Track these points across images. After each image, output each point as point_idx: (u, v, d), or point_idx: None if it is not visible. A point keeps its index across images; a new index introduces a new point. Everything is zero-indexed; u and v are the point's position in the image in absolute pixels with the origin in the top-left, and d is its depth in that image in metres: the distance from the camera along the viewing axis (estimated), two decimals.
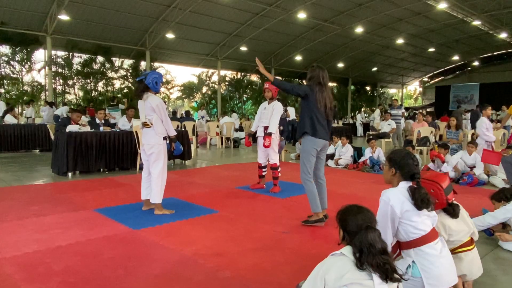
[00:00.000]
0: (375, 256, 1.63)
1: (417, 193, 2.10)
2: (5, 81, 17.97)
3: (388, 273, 1.63)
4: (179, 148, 4.40)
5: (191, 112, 18.75)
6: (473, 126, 11.32)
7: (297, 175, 6.82)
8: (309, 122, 3.71)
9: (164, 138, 4.20)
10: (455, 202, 2.47)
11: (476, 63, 32.73)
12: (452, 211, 2.43)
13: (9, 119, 10.94)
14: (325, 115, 3.78)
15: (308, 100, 3.73)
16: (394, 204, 2.10)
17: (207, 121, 17.14)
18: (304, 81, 31.14)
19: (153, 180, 4.14)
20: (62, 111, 12.86)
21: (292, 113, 15.42)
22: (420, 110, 24.95)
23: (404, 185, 2.19)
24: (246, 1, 17.33)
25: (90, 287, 2.45)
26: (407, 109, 24.78)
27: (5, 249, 3.06)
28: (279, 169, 5.57)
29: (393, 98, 18.20)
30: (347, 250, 1.72)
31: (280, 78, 29.17)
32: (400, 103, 14.84)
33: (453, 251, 2.39)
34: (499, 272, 2.77)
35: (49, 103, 14.14)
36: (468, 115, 18.24)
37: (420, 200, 2.07)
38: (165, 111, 4.18)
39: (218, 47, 22.54)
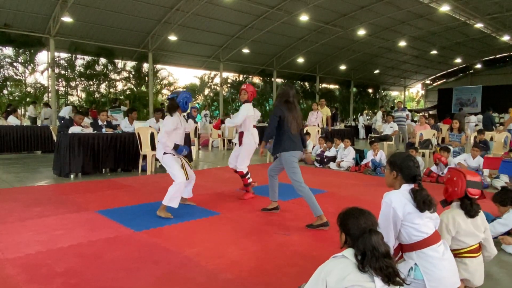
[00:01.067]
0: (378, 259, 1.63)
1: (418, 195, 2.10)
2: (8, 83, 18.05)
3: (390, 277, 1.63)
4: (181, 150, 4.44)
5: (204, 112, 18.79)
6: (486, 130, 11.22)
7: None
8: (285, 139, 4.04)
9: (166, 153, 4.30)
10: (476, 202, 2.46)
11: (478, 66, 32.69)
12: (469, 206, 2.42)
13: (12, 120, 10.99)
14: (297, 129, 4.10)
15: (281, 120, 4.03)
16: (396, 207, 2.10)
17: (210, 122, 17.18)
18: (306, 83, 31.30)
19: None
20: (65, 111, 12.92)
21: None
22: (423, 113, 24.93)
23: (406, 188, 2.19)
24: (248, 3, 17.37)
25: None
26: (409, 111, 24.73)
27: (8, 250, 3.06)
28: (249, 175, 5.30)
29: (396, 101, 18.14)
30: (348, 252, 1.71)
31: (282, 80, 29.33)
32: (403, 105, 14.78)
33: (458, 255, 2.38)
34: (502, 276, 2.76)
35: (45, 104, 14.32)
36: (472, 117, 18.16)
37: (422, 202, 2.07)
38: (168, 129, 4.28)
39: (220, 49, 22.58)
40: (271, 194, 4.47)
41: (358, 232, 1.71)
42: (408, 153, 2.38)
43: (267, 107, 29.43)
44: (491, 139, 8.70)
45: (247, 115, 5.11)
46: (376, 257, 1.63)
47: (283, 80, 29.58)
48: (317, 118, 11.06)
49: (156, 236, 3.50)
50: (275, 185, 4.44)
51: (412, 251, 2.13)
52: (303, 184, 3.94)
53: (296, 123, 4.05)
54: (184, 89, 4.87)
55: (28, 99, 17.95)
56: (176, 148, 4.32)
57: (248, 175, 5.26)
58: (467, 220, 2.42)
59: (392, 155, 2.38)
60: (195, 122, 6.58)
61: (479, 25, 21.34)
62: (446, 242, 2.36)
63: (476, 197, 2.44)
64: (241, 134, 5.25)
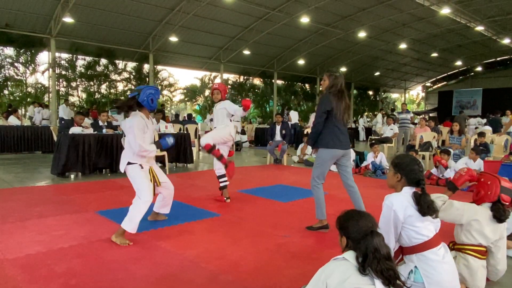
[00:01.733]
0: (380, 261, 1.62)
1: (423, 199, 2.09)
2: (9, 83, 18.08)
3: (391, 279, 1.63)
4: (165, 141, 3.69)
5: (194, 115, 18.79)
6: (494, 132, 11.20)
7: (299, 179, 6.85)
8: (328, 134, 3.67)
9: (132, 163, 3.46)
10: (507, 208, 2.48)
11: (479, 69, 32.72)
12: (501, 211, 2.44)
13: (12, 121, 11.00)
14: (344, 122, 3.76)
15: (328, 114, 3.66)
16: (397, 209, 2.10)
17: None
18: (306, 85, 31.28)
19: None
20: (61, 110, 13.10)
21: (294, 117, 15.43)
22: (423, 115, 24.93)
23: (407, 190, 2.19)
24: (249, 5, 17.41)
25: None
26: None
27: (8, 251, 3.07)
28: (225, 179, 5.05)
29: (400, 103, 18.08)
30: (349, 255, 1.71)
31: (282, 82, 29.35)
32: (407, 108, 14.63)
33: (463, 250, 2.39)
34: (505, 280, 2.75)
35: (40, 104, 14.46)
36: (471, 120, 18.13)
37: (427, 207, 2.07)
38: (139, 130, 3.40)
39: (221, 50, 22.62)
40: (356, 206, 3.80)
41: (360, 235, 1.71)
42: (412, 156, 2.37)
43: (267, 109, 29.45)
44: (492, 142, 8.70)
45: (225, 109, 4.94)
46: (377, 259, 1.63)
47: (283, 82, 29.61)
48: None
49: (156, 237, 3.50)
50: (354, 197, 3.85)
51: (413, 254, 2.13)
52: (320, 185, 3.75)
53: (347, 116, 3.76)
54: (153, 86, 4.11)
55: (28, 99, 17.98)
56: (159, 145, 3.59)
57: (218, 147, 4.87)
58: (487, 220, 2.43)
59: (396, 157, 2.35)
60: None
61: (479, 28, 21.36)
62: (449, 216, 2.41)
63: (507, 203, 2.46)
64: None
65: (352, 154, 8.37)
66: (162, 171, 3.83)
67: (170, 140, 3.69)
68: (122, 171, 3.49)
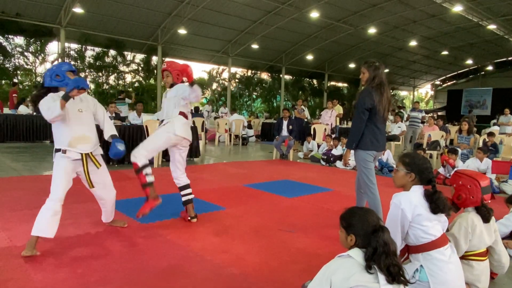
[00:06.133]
0: (388, 256, 1.62)
1: (437, 197, 2.08)
2: (18, 72, 18.24)
3: (395, 276, 1.63)
4: (114, 150, 3.14)
5: (200, 108, 18.80)
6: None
7: (305, 175, 6.85)
8: (367, 134, 3.38)
9: (58, 150, 2.97)
10: (489, 206, 2.46)
11: (490, 68, 32.28)
12: (486, 213, 2.42)
13: (22, 110, 11.10)
14: (385, 120, 3.47)
15: (371, 109, 3.32)
16: (405, 208, 2.08)
17: (215, 117, 17.19)
18: (314, 81, 31.11)
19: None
20: None
21: (308, 114, 15.33)
22: (431, 114, 24.70)
23: (416, 189, 2.17)
24: None
25: (97, 278, 2.48)
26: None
27: (16, 238, 3.11)
28: (146, 172, 3.63)
29: (415, 101, 17.79)
30: (354, 252, 1.71)
31: (290, 77, 29.20)
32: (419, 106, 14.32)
33: (465, 257, 2.37)
34: (507, 280, 2.74)
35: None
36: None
37: (442, 205, 2.06)
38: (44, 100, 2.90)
39: (230, 44, 22.56)
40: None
41: (369, 231, 1.70)
42: (422, 155, 2.35)
43: (275, 103, 29.38)
44: (501, 142, 8.62)
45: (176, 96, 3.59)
46: (386, 253, 1.62)
47: (291, 77, 29.49)
48: (331, 117, 10.99)
49: (161, 229, 3.53)
50: (363, 203, 3.70)
51: (419, 253, 2.13)
52: (375, 189, 3.43)
53: (386, 113, 3.39)
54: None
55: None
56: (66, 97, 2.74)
57: (146, 171, 3.41)
58: (482, 225, 2.42)
59: (406, 155, 2.30)
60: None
61: (492, 27, 21.04)
62: (464, 246, 2.35)
63: (489, 201, 2.44)
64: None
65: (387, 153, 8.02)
66: (104, 166, 3.20)
67: (120, 148, 3.11)
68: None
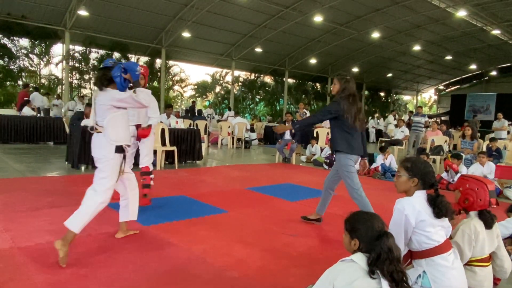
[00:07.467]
0: (392, 261, 1.61)
1: (440, 201, 2.07)
2: (23, 73, 18.37)
3: (399, 281, 1.62)
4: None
5: (203, 111, 18.87)
6: None
7: (307, 179, 6.83)
8: (342, 139, 3.58)
9: (119, 149, 2.97)
10: (492, 213, 2.45)
11: (493, 73, 32.22)
12: (489, 219, 2.40)
13: (26, 111, 11.15)
14: (360, 129, 3.64)
15: (338, 117, 3.56)
16: (408, 214, 2.07)
17: (218, 120, 17.22)
18: (317, 85, 31.14)
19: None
20: (71, 104, 13.38)
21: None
22: (435, 119, 24.64)
23: (419, 194, 2.15)
24: (262, 2, 17.38)
25: (99, 279, 2.48)
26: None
27: (19, 239, 3.12)
28: (152, 176, 4.50)
29: (418, 106, 17.75)
30: (357, 257, 1.70)
31: (293, 80, 29.23)
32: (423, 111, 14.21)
33: (468, 263, 2.36)
34: (510, 286, 2.72)
35: (46, 93, 14.82)
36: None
37: (445, 209, 2.05)
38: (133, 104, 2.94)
39: (233, 47, 22.64)
40: (319, 207, 3.94)
41: (374, 236, 1.69)
42: (423, 159, 2.34)
43: (278, 107, 29.42)
44: (505, 147, 8.58)
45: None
46: (390, 259, 1.62)
47: (294, 81, 29.53)
48: None
49: (164, 231, 3.52)
50: (328, 199, 3.92)
51: (422, 259, 2.11)
52: (361, 190, 3.52)
53: (359, 123, 3.59)
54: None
55: (42, 91, 18.23)
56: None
57: (152, 175, 4.42)
58: (485, 231, 2.40)
59: (408, 160, 2.27)
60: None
61: (496, 32, 21.03)
62: (468, 253, 2.33)
63: (494, 206, 2.42)
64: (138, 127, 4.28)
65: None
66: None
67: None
68: (102, 159, 2.97)
